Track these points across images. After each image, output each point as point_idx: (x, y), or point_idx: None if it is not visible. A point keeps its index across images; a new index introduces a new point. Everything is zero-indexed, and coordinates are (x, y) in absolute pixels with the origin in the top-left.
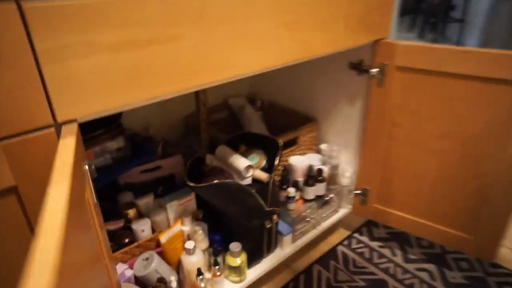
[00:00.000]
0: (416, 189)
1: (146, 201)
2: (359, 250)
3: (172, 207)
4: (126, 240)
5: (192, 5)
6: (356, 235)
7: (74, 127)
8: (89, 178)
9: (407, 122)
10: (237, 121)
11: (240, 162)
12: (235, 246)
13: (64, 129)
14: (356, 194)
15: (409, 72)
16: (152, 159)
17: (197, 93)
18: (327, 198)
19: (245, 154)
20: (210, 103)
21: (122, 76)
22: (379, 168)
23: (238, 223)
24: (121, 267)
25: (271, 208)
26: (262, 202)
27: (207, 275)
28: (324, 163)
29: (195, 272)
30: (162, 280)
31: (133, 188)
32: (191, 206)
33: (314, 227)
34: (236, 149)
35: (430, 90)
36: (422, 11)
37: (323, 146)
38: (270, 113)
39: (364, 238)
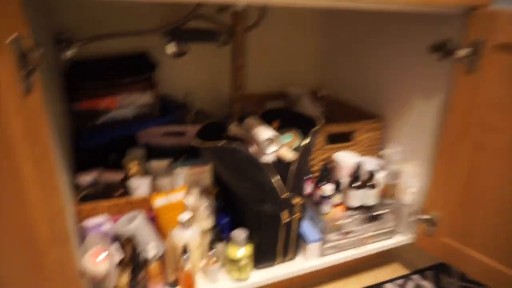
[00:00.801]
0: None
1: (160, 164)
2: None
3: (182, 174)
4: (118, 193)
5: None
6: (415, 277)
7: None
8: (14, 53)
9: (504, 127)
10: None
11: (263, 133)
12: (239, 233)
13: None
14: (421, 219)
15: None
16: (172, 121)
17: (234, 55)
18: (378, 212)
19: (278, 131)
20: (269, 89)
21: None
22: (457, 189)
23: (251, 209)
24: (100, 219)
25: (288, 195)
26: (276, 182)
27: (202, 262)
28: (382, 168)
29: (181, 250)
30: (130, 240)
31: (153, 150)
32: (205, 180)
33: (354, 245)
34: (270, 123)
35: None
36: None
37: (384, 151)
38: (334, 110)
39: (427, 284)
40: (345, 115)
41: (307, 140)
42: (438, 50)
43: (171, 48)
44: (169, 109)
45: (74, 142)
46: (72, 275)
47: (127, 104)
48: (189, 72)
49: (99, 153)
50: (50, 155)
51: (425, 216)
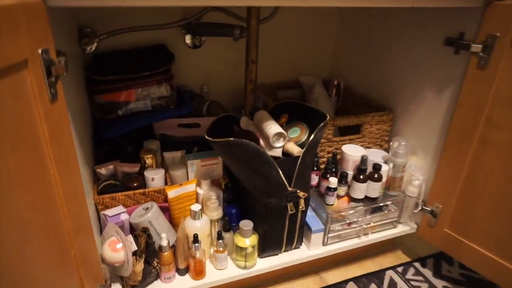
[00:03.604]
0: (510, 220)
1: (173, 155)
2: (415, 284)
3: (194, 166)
4: (134, 185)
5: None
6: (417, 264)
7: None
8: (42, 65)
9: None
10: (305, 101)
11: (271, 128)
12: (246, 223)
13: None
14: (424, 210)
15: None
16: (186, 113)
17: (248, 49)
18: (382, 204)
19: (286, 126)
20: (282, 78)
21: None
22: (460, 182)
23: (258, 200)
24: (118, 210)
25: (294, 189)
26: (283, 177)
27: (211, 249)
28: (388, 161)
29: (192, 239)
30: (145, 231)
31: (168, 141)
32: (216, 172)
33: (357, 235)
34: (278, 119)
35: None
36: None
37: (392, 143)
38: (346, 99)
39: (427, 272)
40: (356, 104)
41: (312, 136)
42: (453, 43)
43: (188, 39)
44: (184, 101)
45: (94, 133)
46: (94, 262)
47: (145, 96)
48: (205, 63)
49: (117, 144)
50: (73, 157)
51: (428, 208)
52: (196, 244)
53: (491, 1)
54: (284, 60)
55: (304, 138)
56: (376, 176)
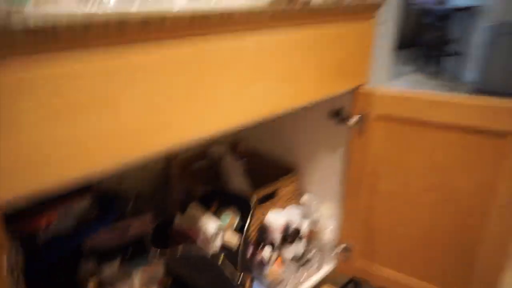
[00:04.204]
0: (401, 244)
1: (111, 268)
2: None
3: (138, 275)
4: None
5: None
6: None
7: None
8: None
9: (388, 174)
10: (217, 171)
11: (208, 227)
12: None
13: None
14: (339, 250)
15: (389, 121)
16: (114, 220)
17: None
18: (307, 257)
19: (217, 213)
20: (190, 150)
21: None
22: (361, 223)
23: None
24: None
25: (241, 277)
26: (229, 273)
27: None
28: (304, 217)
29: None
30: None
31: (98, 253)
32: (159, 272)
33: None
34: (209, 207)
35: (411, 140)
36: (421, 45)
37: (303, 199)
38: (252, 162)
39: None
40: (264, 168)
41: (247, 226)
42: (335, 116)
43: None
44: (107, 206)
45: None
46: None
47: (66, 214)
48: None
49: (46, 275)
50: None
51: (340, 247)
52: None
53: (356, 88)
54: None
55: (236, 221)
56: (299, 236)
